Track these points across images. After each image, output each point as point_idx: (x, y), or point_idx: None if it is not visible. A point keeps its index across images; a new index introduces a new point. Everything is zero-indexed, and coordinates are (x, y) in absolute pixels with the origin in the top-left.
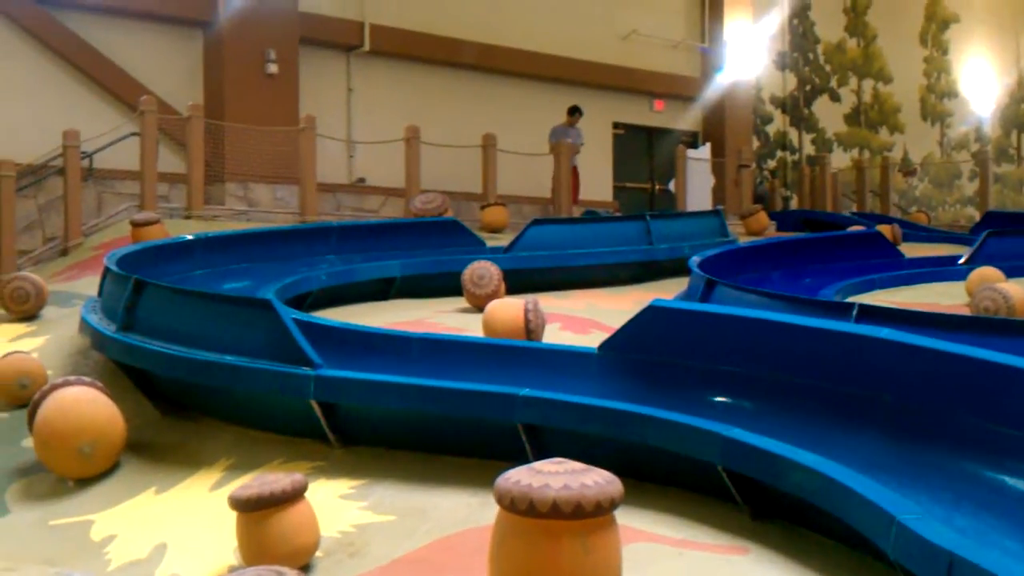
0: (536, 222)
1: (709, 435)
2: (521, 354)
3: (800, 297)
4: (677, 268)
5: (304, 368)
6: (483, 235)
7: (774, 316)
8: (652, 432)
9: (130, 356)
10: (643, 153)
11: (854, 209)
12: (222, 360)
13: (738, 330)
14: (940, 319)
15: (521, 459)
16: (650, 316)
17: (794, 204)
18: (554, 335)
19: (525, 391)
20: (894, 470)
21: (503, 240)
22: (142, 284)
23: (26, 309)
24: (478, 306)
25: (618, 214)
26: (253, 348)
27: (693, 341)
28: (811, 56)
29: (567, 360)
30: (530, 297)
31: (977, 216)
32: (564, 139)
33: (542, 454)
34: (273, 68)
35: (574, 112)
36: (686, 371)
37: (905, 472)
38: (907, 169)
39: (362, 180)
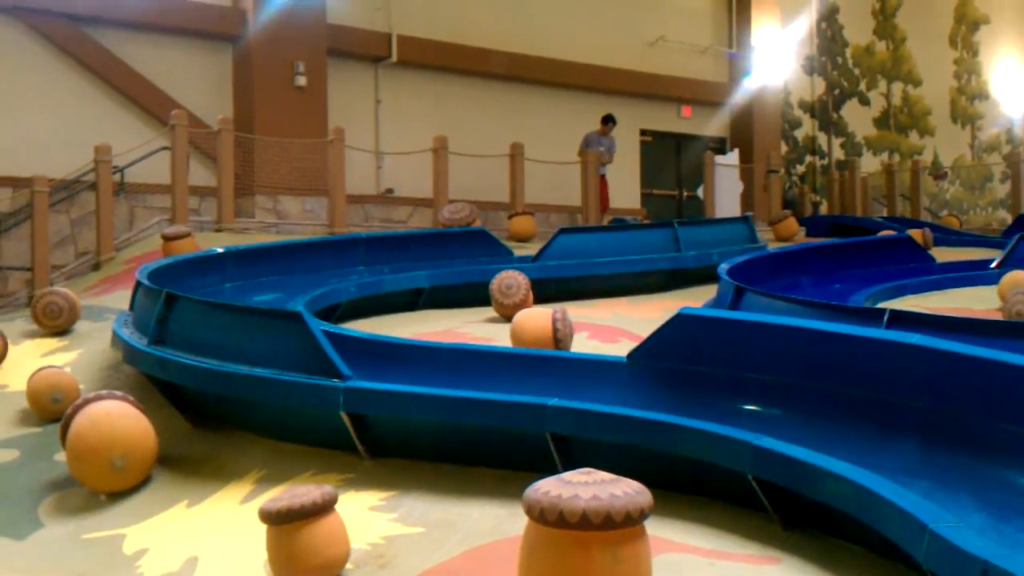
0: (563, 231)
1: (739, 444)
2: (550, 364)
3: (830, 303)
4: (706, 275)
5: (334, 380)
6: (511, 244)
7: (804, 323)
8: (682, 441)
9: (161, 369)
10: (671, 159)
11: (884, 213)
12: (252, 373)
13: (768, 337)
14: (972, 324)
15: (550, 470)
16: (679, 324)
17: (824, 209)
18: (582, 344)
19: (554, 401)
20: (928, 477)
21: (531, 249)
22: (173, 297)
23: (59, 324)
24: (506, 316)
25: (646, 221)
26: (283, 360)
27: (723, 349)
28: (839, 60)
29: (596, 369)
30: (558, 306)
31: (1010, 219)
32: (597, 147)
33: (571, 464)
34: (302, 80)
35: (607, 121)
36: (716, 379)
37: (939, 479)
38: (937, 172)
39: (390, 191)
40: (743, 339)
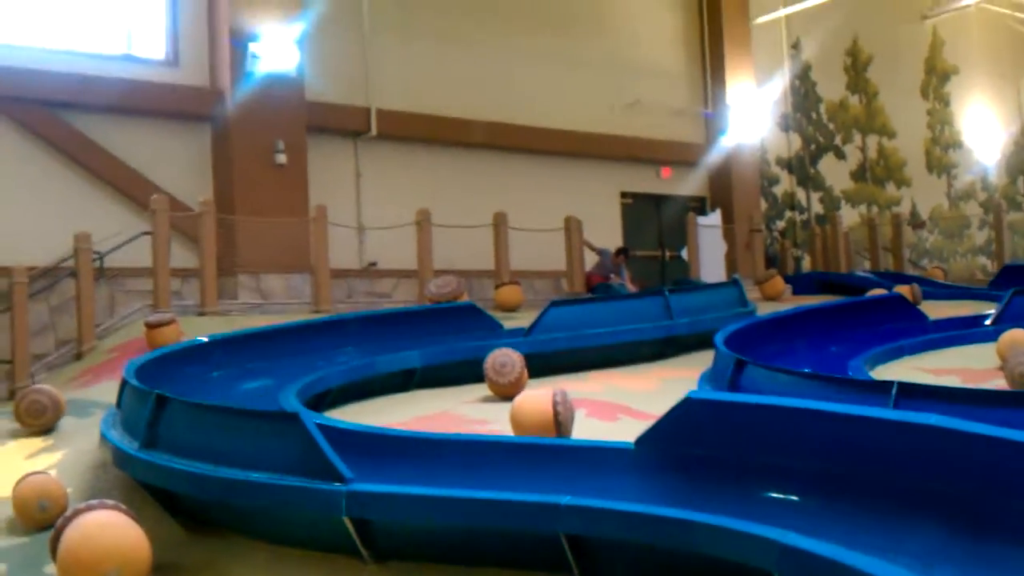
0: (555, 303)
1: (765, 542)
2: (555, 453)
3: (836, 377)
4: (699, 342)
5: (335, 484)
6: (498, 315)
7: (815, 405)
8: (703, 540)
9: (154, 475)
10: (652, 220)
11: (867, 267)
12: (249, 478)
13: (779, 420)
14: (984, 395)
15: (565, 568)
16: (687, 408)
17: (806, 263)
18: (581, 423)
19: (566, 500)
20: (956, 562)
21: (519, 319)
22: (164, 399)
23: (43, 423)
24: (502, 395)
25: (633, 289)
26: (281, 463)
27: (733, 433)
28: (814, 115)
29: (604, 457)
30: (558, 389)
31: (990, 265)
32: (610, 271)
33: (586, 562)
34: (282, 158)
35: (621, 253)
36: (729, 465)
37: (968, 564)
38: (917, 223)
39: (374, 264)
40: (753, 423)
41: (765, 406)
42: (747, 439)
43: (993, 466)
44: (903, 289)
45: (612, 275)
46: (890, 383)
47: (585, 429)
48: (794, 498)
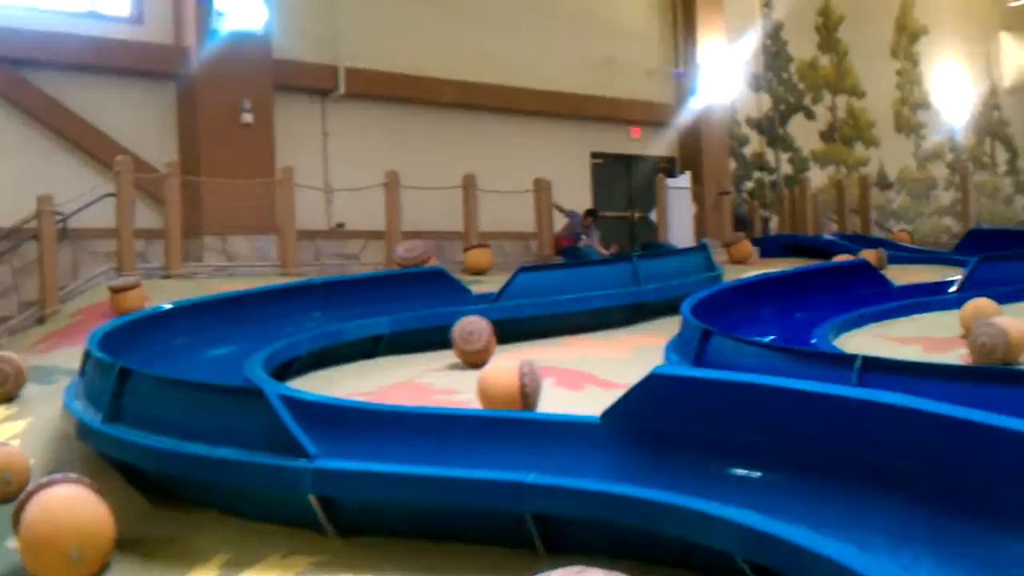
0: (523, 269)
1: (726, 524)
2: (521, 426)
3: (800, 349)
4: (667, 308)
5: (300, 460)
6: (467, 278)
7: (779, 382)
8: (666, 520)
9: (117, 449)
10: (622, 181)
11: (835, 229)
12: (213, 454)
13: (743, 397)
14: (946, 370)
15: (529, 544)
16: (652, 384)
17: (774, 225)
18: (548, 392)
19: (531, 477)
20: (920, 541)
21: (488, 283)
22: (127, 372)
23: (5, 390)
24: (469, 362)
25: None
26: (246, 438)
27: (698, 409)
28: (785, 75)
29: (569, 431)
30: (524, 360)
31: (955, 227)
32: (578, 233)
33: (551, 538)
34: (248, 117)
35: (590, 215)
36: (693, 440)
37: (932, 542)
38: (884, 184)
39: (341, 225)
40: (718, 399)
41: (729, 382)
42: (712, 415)
43: (954, 444)
44: (869, 254)
45: (581, 237)
46: (853, 357)
47: (552, 399)
48: (758, 474)
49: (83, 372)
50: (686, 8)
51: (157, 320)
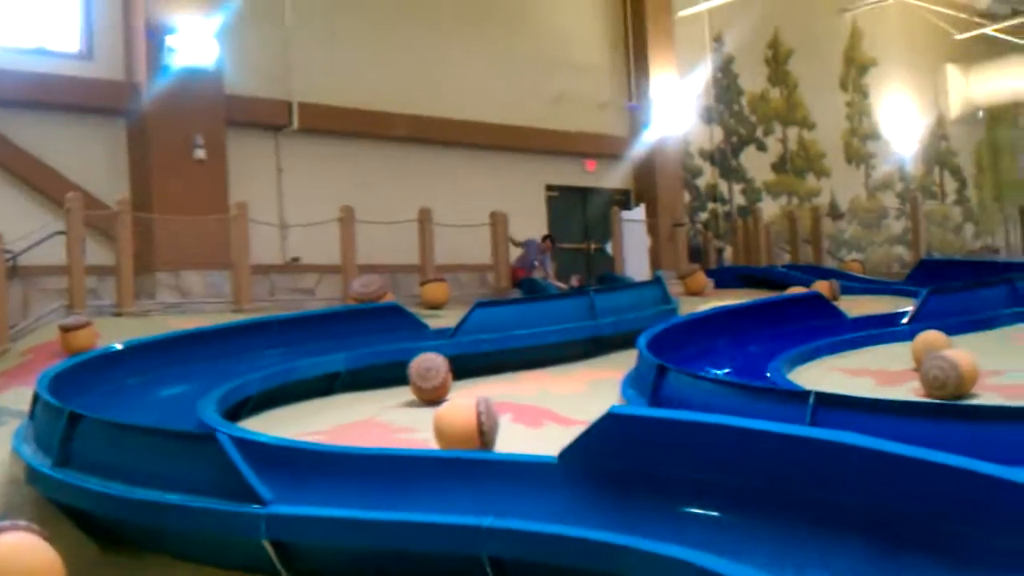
0: (480, 304)
1: (685, 567)
2: (478, 467)
3: (755, 386)
4: (624, 341)
5: (254, 506)
6: (423, 312)
7: (733, 421)
8: (625, 562)
9: (67, 495)
10: (577, 213)
11: (787, 259)
12: (165, 499)
13: (699, 436)
14: (898, 406)
15: None
16: (609, 424)
17: (728, 255)
18: (506, 428)
19: (488, 521)
20: None
21: (445, 317)
22: (77, 416)
23: None
24: (426, 400)
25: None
26: (199, 484)
27: (655, 448)
28: (736, 108)
29: (527, 472)
30: (481, 398)
31: (906, 255)
32: (532, 261)
33: None
34: (201, 153)
35: (547, 239)
36: (651, 480)
37: None
38: (836, 214)
39: (296, 259)
40: (674, 438)
41: (685, 422)
42: (669, 454)
43: (908, 484)
44: (822, 286)
45: (535, 264)
46: (807, 393)
47: (511, 436)
48: (715, 514)
49: (32, 415)
50: (638, 42)
51: (108, 360)
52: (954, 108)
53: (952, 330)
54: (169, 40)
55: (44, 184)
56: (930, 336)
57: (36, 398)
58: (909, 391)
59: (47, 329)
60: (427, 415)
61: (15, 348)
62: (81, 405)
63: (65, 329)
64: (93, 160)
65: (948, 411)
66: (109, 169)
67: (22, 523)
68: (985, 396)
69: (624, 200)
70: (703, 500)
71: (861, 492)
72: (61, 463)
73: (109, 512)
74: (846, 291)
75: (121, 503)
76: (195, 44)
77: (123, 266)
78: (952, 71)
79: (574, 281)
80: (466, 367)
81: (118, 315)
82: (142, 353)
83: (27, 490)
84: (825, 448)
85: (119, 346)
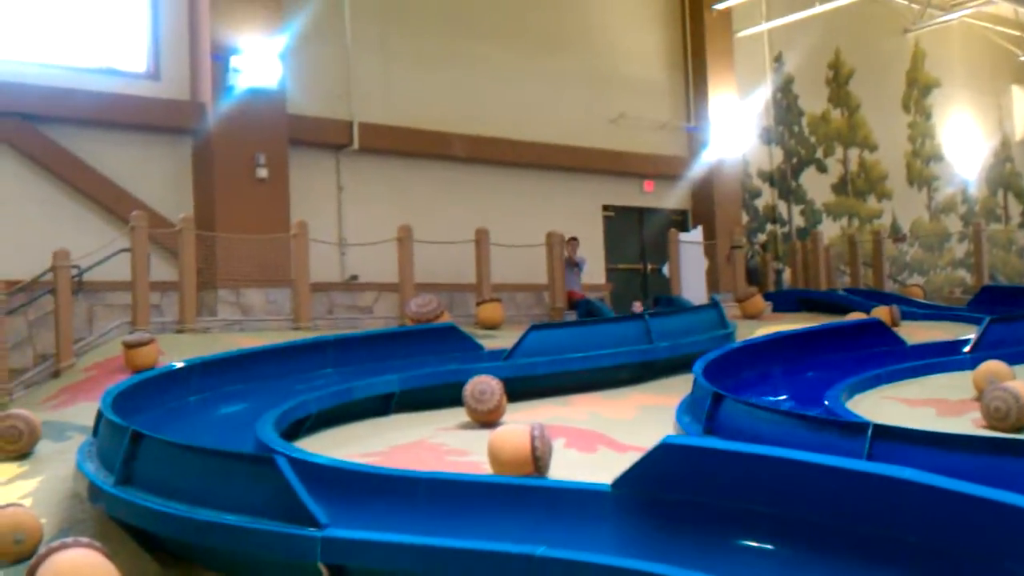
0: (535, 327)
1: None
2: (531, 494)
3: (812, 416)
4: (680, 364)
5: (310, 529)
6: (479, 332)
7: (789, 454)
8: None
9: (128, 513)
10: (634, 234)
11: (847, 282)
12: (223, 521)
13: (754, 468)
14: (957, 440)
15: None
16: (663, 453)
17: (787, 277)
18: (559, 453)
19: (541, 550)
20: None
21: (500, 337)
22: (139, 436)
23: (18, 448)
24: (480, 422)
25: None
26: (256, 505)
27: (709, 479)
28: (796, 129)
29: (580, 499)
30: (535, 423)
31: (969, 279)
32: (574, 283)
33: None
34: (263, 172)
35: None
36: (704, 510)
37: None
38: (898, 236)
39: (355, 277)
40: (728, 469)
41: (740, 453)
42: (722, 485)
43: (966, 521)
44: (882, 312)
45: (575, 270)
46: (865, 424)
47: (564, 461)
48: (769, 547)
49: (96, 432)
50: (697, 62)
51: (171, 378)
52: (1019, 130)
53: (1014, 360)
54: (234, 61)
55: (110, 201)
56: (992, 366)
57: (100, 416)
58: (970, 422)
59: (111, 345)
60: (481, 437)
61: (80, 363)
62: (143, 422)
63: (129, 346)
64: (158, 178)
65: (1009, 447)
66: (174, 187)
67: (84, 540)
68: None
69: (682, 221)
70: (757, 532)
71: (918, 528)
72: (123, 481)
73: (169, 532)
74: (907, 316)
75: (181, 523)
76: (259, 65)
77: (186, 284)
78: (1017, 92)
79: (636, 307)
80: (520, 389)
81: (180, 331)
82: (202, 372)
83: (90, 507)
84: (882, 483)
85: (181, 365)
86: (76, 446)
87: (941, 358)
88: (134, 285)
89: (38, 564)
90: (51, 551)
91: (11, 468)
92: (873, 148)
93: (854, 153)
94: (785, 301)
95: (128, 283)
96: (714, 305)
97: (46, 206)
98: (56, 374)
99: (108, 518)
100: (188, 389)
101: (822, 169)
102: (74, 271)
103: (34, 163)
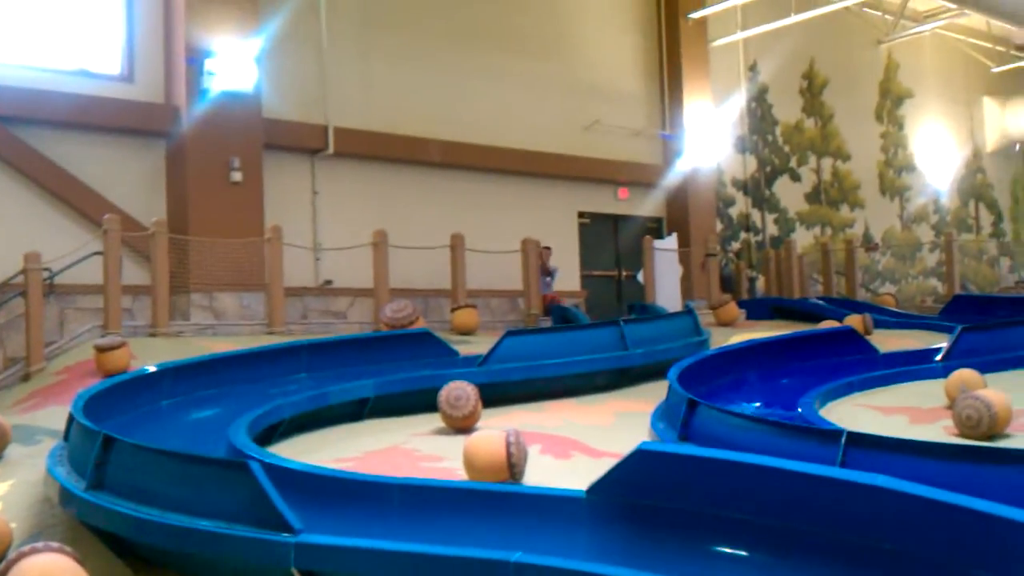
0: (510, 333)
1: None
2: (507, 500)
3: (786, 423)
4: (654, 371)
5: (284, 534)
6: (454, 338)
7: (763, 461)
8: None
9: (99, 518)
10: (609, 241)
11: (820, 290)
12: (196, 526)
13: (729, 474)
14: (929, 448)
15: None
16: (638, 460)
17: (760, 285)
18: (534, 459)
19: (516, 556)
20: None
21: (475, 343)
22: (111, 440)
23: None
24: (455, 427)
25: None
26: (229, 510)
27: (684, 486)
28: (770, 138)
29: (555, 506)
30: (511, 429)
31: (940, 287)
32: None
33: None
34: (237, 176)
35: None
36: (680, 516)
37: None
38: (870, 245)
39: (329, 282)
40: (703, 476)
41: (715, 460)
42: (697, 492)
43: (939, 528)
44: (854, 320)
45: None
46: (839, 432)
47: (539, 467)
48: (743, 553)
49: (67, 436)
50: (672, 70)
51: (143, 382)
52: (990, 141)
53: (986, 368)
54: (208, 64)
55: (83, 204)
56: (964, 374)
57: (71, 419)
58: (941, 430)
59: (82, 348)
60: (456, 443)
61: (50, 367)
62: (115, 427)
63: (100, 349)
64: (131, 181)
65: (981, 453)
66: (147, 190)
67: (55, 544)
68: (1019, 437)
69: (656, 228)
70: (732, 539)
71: (891, 535)
72: (95, 486)
73: (141, 536)
74: (879, 325)
75: (152, 528)
76: (234, 68)
77: (158, 287)
78: (989, 104)
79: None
80: (495, 395)
81: (152, 335)
82: (175, 376)
83: (60, 511)
84: (856, 490)
85: (154, 368)
86: (46, 450)
87: (913, 366)
88: (106, 288)
89: (7, 569)
90: (21, 556)
91: None
92: (846, 158)
93: (827, 162)
94: (759, 309)
95: (100, 286)
96: (688, 312)
97: (17, 208)
98: (26, 377)
99: (79, 523)
100: (160, 393)
101: (796, 178)
102: (45, 274)
103: (5, 165)
